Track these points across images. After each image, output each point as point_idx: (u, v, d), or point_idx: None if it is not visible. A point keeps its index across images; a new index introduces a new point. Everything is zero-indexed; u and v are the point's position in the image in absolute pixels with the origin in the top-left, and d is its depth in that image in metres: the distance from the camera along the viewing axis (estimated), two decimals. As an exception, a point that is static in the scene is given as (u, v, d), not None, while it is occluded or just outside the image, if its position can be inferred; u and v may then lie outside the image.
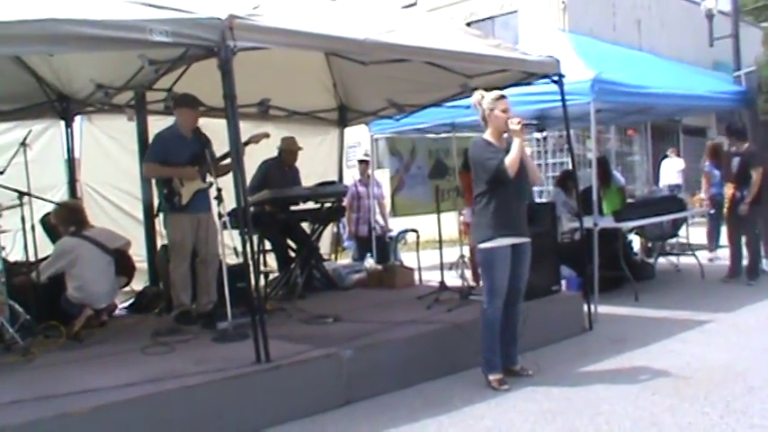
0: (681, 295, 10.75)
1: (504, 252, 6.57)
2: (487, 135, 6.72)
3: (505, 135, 6.64)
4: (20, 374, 6.37)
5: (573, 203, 11.00)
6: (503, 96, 6.67)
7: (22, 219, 7.94)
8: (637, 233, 12.71)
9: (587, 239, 9.18)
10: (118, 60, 7.74)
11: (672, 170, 20.64)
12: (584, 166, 19.00)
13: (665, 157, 21.54)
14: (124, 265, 8.60)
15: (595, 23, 22.84)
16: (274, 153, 10.17)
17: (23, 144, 8.20)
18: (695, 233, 13.91)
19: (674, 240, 13.29)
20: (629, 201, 12.90)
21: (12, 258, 8.22)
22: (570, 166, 11.66)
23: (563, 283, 9.45)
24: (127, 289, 9.62)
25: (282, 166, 10.17)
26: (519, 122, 6.46)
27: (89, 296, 8.04)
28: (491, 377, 6.68)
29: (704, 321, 8.88)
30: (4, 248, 7.89)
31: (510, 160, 6.40)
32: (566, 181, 12.14)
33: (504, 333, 6.82)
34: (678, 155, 21.20)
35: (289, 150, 10.23)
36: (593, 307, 8.92)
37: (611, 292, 10.41)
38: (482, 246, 6.63)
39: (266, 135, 8.37)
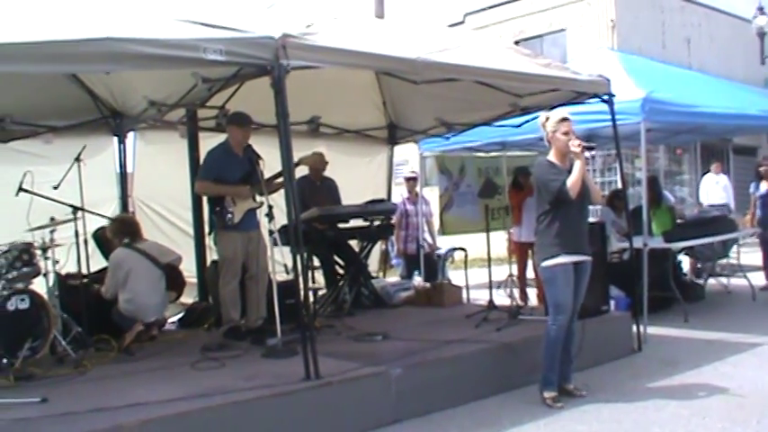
0: (732, 317, 10.63)
1: (567, 269, 6.64)
2: (551, 156, 6.82)
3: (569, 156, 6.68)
4: (72, 387, 6.44)
5: (622, 223, 10.92)
6: (566, 119, 6.73)
7: (76, 233, 8.05)
8: (686, 253, 12.56)
9: (637, 259, 9.13)
10: (171, 78, 7.83)
11: (715, 188, 18.56)
12: (633, 185, 18.84)
13: (707, 172, 19.78)
14: (174, 280, 8.66)
15: (644, 42, 22.72)
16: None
17: (77, 159, 8.30)
18: (746, 254, 13.71)
19: (724, 261, 13.13)
20: (679, 221, 12.77)
21: (65, 272, 8.35)
22: (619, 185, 11.58)
23: (612, 303, 9.36)
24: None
25: (313, 181, 10.17)
26: (579, 144, 6.53)
27: (139, 309, 8.13)
28: (546, 394, 6.71)
29: (757, 344, 8.76)
30: (57, 262, 8.01)
31: (572, 182, 6.47)
32: (614, 200, 12.06)
33: (561, 351, 6.82)
34: (723, 171, 19.68)
35: (314, 169, 10.12)
36: (642, 328, 8.85)
37: (660, 313, 10.29)
38: (545, 264, 6.71)
39: (316, 156, 8.40)
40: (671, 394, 6.95)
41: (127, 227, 8.65)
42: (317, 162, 10.05)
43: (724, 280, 13.18)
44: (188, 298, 9.88)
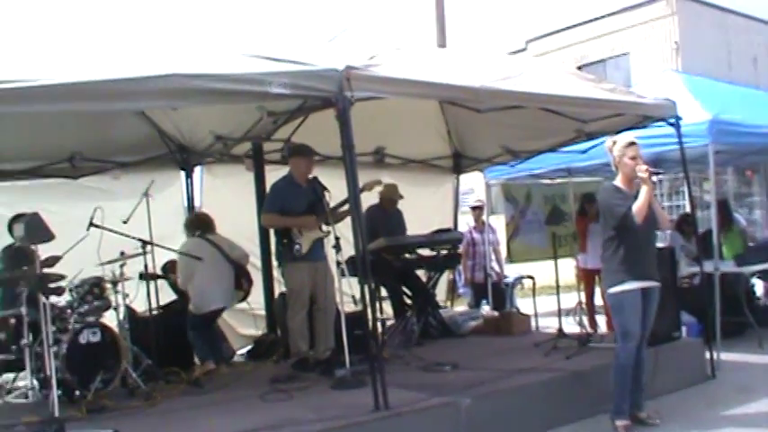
0: (809, 342, 10.34)
1: (634, 295, 6.55)
2: (618, 181, 6.76)
3: (636, 181, 6.60)
4: (143, 418, 6.53)
5: (691, 247, 10.76)
6: (633, 143, 6.67)
7: (145, 267, 8.16)
8: (759, 277, 12.31)
9: (708, 284, 8.97)
10: (236, 112, 7.92)
11: None
12: (701, 208, 18.58)
13: None
14: (240, 279, 8.86)
15: (709, 63, 22.47)
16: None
17: (146, 194, 8.43)
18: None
19: (798, 284, 12.83)
20: (751, 244, 12.52)
21: (135, 305, 8.49)
22: (687, 209, 11.40)
23: (683, 329, 9.21)
24: (245, 332, 9.80)
25: (384, 211, 10.18)
26: (646, 170, 6.45)
27: (208, 298, 8.42)
28: (618, 423, 6.61)
29: (834, 370, 8.55)
30: (128, 296, 8.12)
31: (637, 208, 6.38)
32: (683, 225, 11.88)
33: (631, 379, 6.72)
34: None
35: (389, 199, 10.18)
36: (715, 354, 8.66)
37: (733, 339, 10.02)
38: (612, 290, 6.64)
39: (378, 182, 8.45)
40: (746, 422, 6.81)
41: (200, 220, 8.98)
42: (391, 192, 10.14)
43: (799, 304, 12.88)
44: (257, 330, 9.96)
